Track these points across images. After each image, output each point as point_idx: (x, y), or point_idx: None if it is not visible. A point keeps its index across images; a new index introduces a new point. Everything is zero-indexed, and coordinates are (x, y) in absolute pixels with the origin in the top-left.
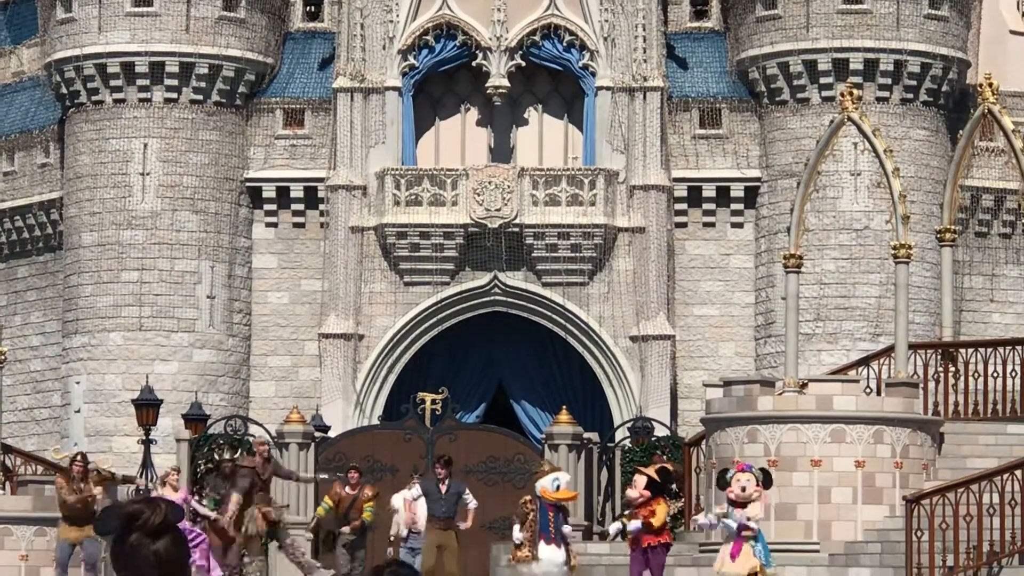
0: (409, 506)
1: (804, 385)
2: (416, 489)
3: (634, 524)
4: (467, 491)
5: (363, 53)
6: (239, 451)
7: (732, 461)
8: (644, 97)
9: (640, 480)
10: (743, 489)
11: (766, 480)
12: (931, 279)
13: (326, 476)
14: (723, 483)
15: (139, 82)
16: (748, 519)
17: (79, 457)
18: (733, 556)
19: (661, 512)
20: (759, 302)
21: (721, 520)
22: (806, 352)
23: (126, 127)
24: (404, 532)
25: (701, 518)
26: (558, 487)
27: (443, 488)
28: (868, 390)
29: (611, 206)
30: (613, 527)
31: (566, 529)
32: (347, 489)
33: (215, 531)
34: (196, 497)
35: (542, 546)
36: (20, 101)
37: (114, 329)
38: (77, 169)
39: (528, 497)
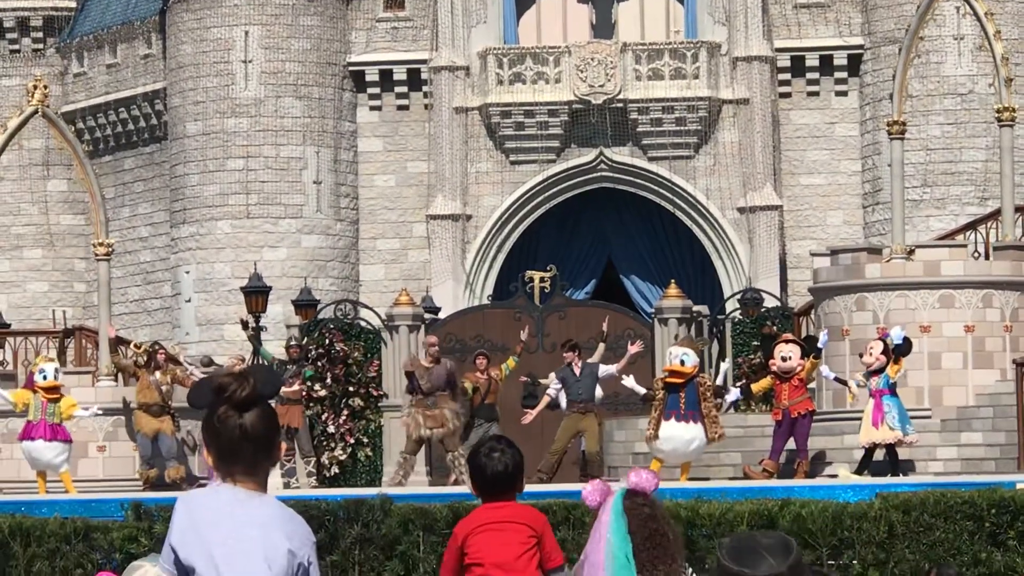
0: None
1: (911, 251)
2: (555, 381)
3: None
4: (600, 367)
5: None
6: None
7: (878, 329)
8: None
9: (797, 350)
10: (784, 359)
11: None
12: None
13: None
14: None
15: None
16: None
17: (155, 345)
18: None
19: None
20: (865, 170)
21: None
22: (914, 218)
23: (227, 15)
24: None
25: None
26: (681, 362)
27: (577, 370)
28: (976, 254)
29: (714, 78)
30: (732, 393)
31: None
32: (479, 375)
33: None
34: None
35: (666, 424)
36: None
37: (222, 218)
38: (179, 59)
39: (658, 377)
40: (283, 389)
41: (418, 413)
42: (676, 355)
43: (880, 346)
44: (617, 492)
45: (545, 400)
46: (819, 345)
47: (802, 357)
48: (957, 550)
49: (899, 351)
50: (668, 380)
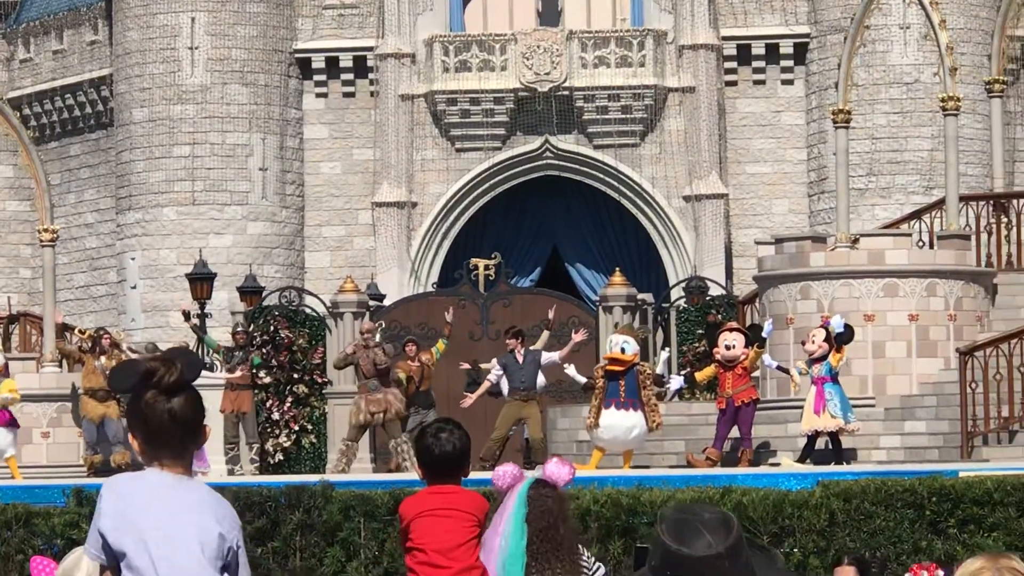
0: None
1: (856, 240)
2: (496, 368)
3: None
4: (543, 354)
5: None
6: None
7: (821, 317)
8: None
9: (741, 338)
10: (728, 348)
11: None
12: (982, 131)
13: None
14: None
15: None
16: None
17: (100, 331)
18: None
19: (751, 360)
20: (811, 158)
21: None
22: (859, 207)
23: (173, 2)
24: None
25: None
26: (621, 350)
27: (519, 358)
28: (920, 243)
29: (660, 66)
30: (675, 381)
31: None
32: (410, 363)
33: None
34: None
35: (606, 412)
36: None
37: (167, 204)
38: (126, 45)
39: (599, 365)
40: (228, 375)
41: (360, 399)
42: (616, 343)
43: (822, 334)
44: (527, 480)
45: (485, 385)
46: (763, 334)
47: (746, 346)
48: (898, 538)
49: (841, 339)
50: (608, 368)
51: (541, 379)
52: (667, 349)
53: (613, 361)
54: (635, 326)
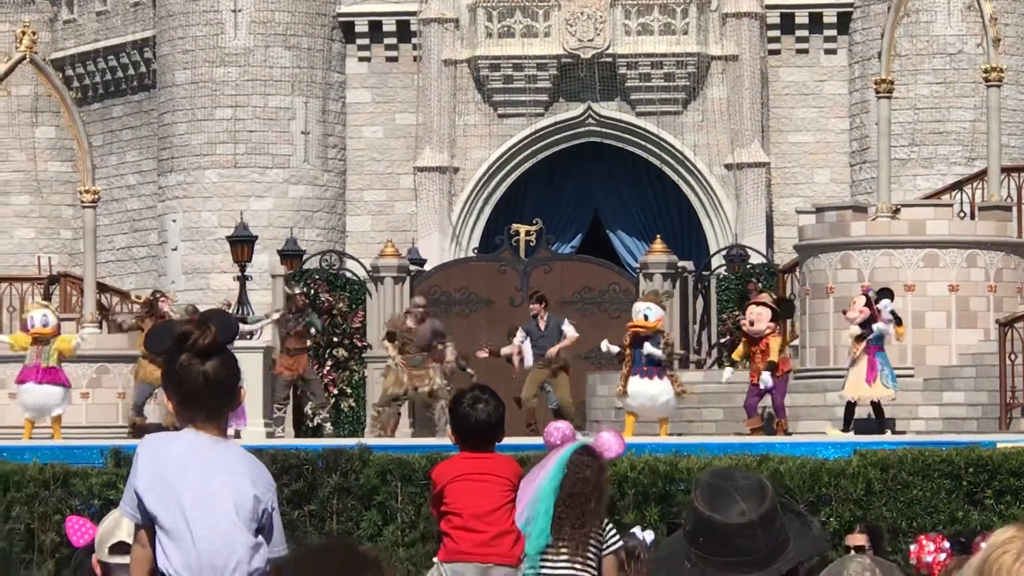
0: (518, 352)
1: (897, 210)
2: (520, 334)
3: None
4: (566, 322)
5: None
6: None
7: (862, 286)
8: None
9: (766, 313)
10: (751, 323)
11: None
12: None
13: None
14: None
15: None
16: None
17: (156, 293)
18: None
19: (775, 346)
20: (853, 128)
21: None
22: (901, 177)
23: None
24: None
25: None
26: (644, 317)
27: (542, 324)
28: (962, 214)
29: (704, 34)
30: (726, 373)
31: (654, 351)
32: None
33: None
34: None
35: (633, 380)
36: None
37: (209, 167)
38: (169, 7)
39: (627, 333)
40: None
41: (403, 372)
42: (639, 310)
43: (863, 300)
44: (573, 444)
45: (508, 348)
46: (725, 380)
47: (773, 320)
48: (934, 508)
49: (898, 319)
50: (633, 335)
51: (573, 332)
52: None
53: (637, 328)
54: (659, 292)
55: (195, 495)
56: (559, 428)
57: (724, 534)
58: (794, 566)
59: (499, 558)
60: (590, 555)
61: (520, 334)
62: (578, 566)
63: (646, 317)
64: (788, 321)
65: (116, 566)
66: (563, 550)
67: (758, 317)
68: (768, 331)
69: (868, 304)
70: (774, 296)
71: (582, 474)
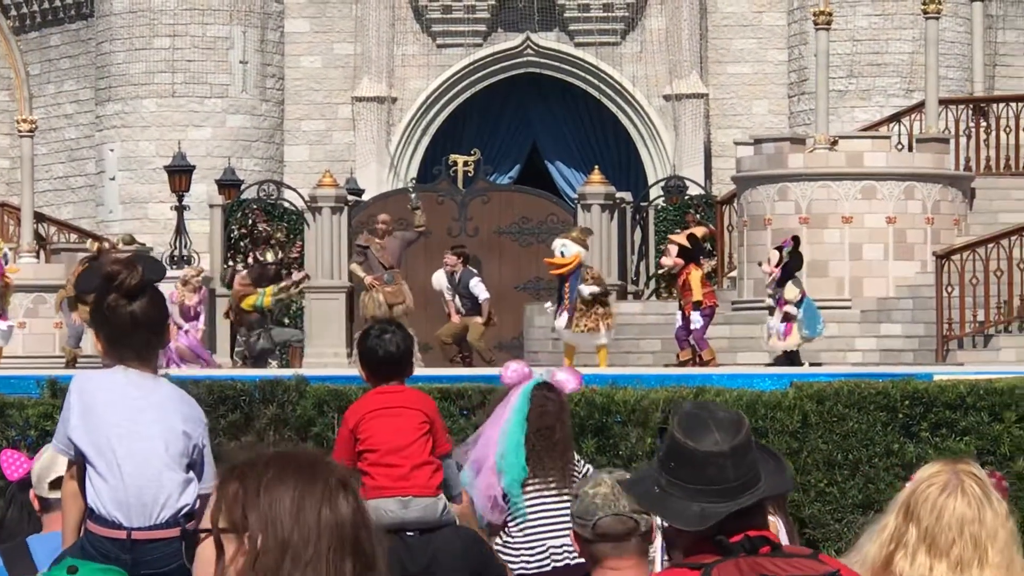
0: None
1: (835, 142)
2: (445, 284)
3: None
4: (478, 281)
5: None
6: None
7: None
8: None
9: (672, 249)
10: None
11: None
12: (964, 34)
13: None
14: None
15: None
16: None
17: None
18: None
19: (695, 280)
20: (792, 59)
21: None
22: (839, 109)
23: None
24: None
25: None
26: (560, 254)
27: (456, 279)
28: (899, 146)
29: None
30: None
31: (583, 290)
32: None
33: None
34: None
35: (562, 318)
36: None
37: (147, 96)
38: None
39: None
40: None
41: (377, 292)
42: (556, 247)
43: (776, 256)
44: (533, 379)
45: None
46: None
47: (682, 255)
48: (870, 440)
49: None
50: (553, 272)
51: (483, 293)
52: (550, 303)
53: (553, 265)
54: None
55: (123, 432)
56: (515, 368)
57: (696, 461)
58: (758, 500)
59: (419, 489)
60: (575, 485)
61: (447, 289)
62: (566, 497)
63: (562, 255)
64: (712, 256)
65: (55, 501)
66: (552, 484)
67: (666, 251)
68: (674, 266)
69: (780, 261)
70: (704, 231)
71: (546, 407)
